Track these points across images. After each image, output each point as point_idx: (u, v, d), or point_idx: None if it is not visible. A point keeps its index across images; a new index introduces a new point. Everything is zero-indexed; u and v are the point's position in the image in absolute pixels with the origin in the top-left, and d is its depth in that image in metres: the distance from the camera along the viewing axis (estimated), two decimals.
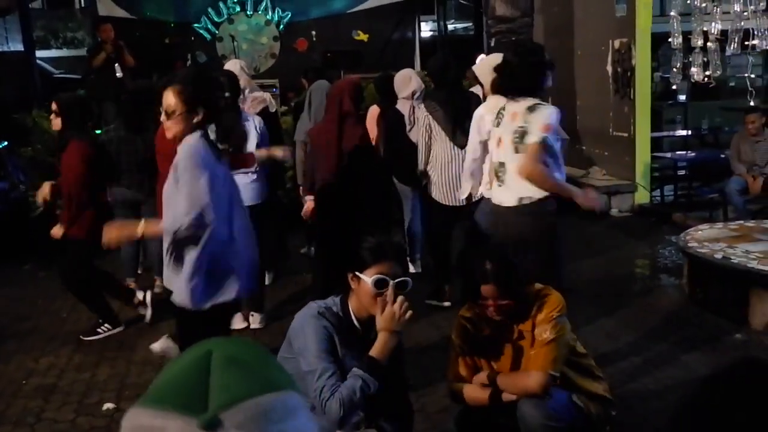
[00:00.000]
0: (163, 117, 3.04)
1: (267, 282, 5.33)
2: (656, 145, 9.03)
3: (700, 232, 5.38)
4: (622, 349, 4.34)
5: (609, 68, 8.25)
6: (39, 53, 16.53)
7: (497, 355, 2.91)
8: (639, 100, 7.89)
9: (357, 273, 2.53)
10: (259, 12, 11.96)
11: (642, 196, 8.05)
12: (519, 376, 2.80)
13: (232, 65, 5.54)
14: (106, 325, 4.88)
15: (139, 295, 5.04)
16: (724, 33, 4.99)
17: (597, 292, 5.35)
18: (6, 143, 7.45)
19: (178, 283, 3.08)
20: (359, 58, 10.01)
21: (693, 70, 4.64)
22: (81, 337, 4.84)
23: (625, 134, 8.15)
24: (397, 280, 2.50)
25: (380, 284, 2.48)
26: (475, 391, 2.86)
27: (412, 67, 12.23)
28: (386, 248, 2.55)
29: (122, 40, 9.07)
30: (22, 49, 9.68)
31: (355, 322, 2.60)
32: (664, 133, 10.18)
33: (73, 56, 18.15)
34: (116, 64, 8.71)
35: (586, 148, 8.94)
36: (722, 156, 7.62)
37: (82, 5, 15.10)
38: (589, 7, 8.55)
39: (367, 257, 2.52)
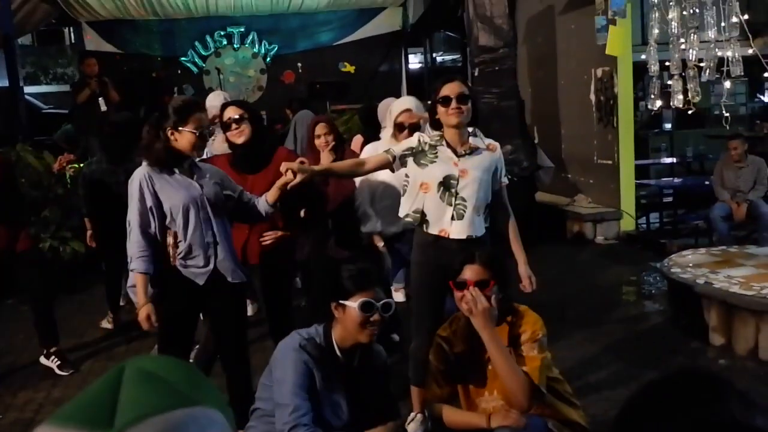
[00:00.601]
0: None
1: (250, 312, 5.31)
2: (642, 172, 9.11)
3: (682, 257, 5.39)
4: (605, 375, 4.32)
5: (592, 97, 8.33)
6: (28, 89, 16.61)
7: (473, 374, 2.88)
8: (622, 128, 7.95)
9: (341, 301, 2.54)
10: (246, 45, 12.08)
11: (627, 224, 8.07)
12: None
13: (215, 98, 5.56)
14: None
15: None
16: (700, 60, 5.05)
17: (580, 318, 5.34)
18: None
19: None
20: (346, 89, 10.08)
21: (673, 96, 4.68)
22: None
23: (610, 162, 8.19)
24: (382, 303, 2.52)
25: (367, 308, 2.50)
26: (454, 414, 2.83)
27: (399, 98, 12.36)
28: (368, 274, 2.57)
29: (109, 74, 9.13)
30: (8, 85, 9.67)
31: (338, 352, 2.61)
32: (650, 161, 10.27)
33: (62, 91, 18.23)
34: (100, 99, 8.74)
35: (571, 176, 8.98)
36: (707, 183, 7.66)
37: (72, 41, 15.21)
38: (571, 37, 8.65)
39: (350, 285, 2.54)
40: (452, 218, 3.32)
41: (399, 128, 4.10)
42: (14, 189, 4.78)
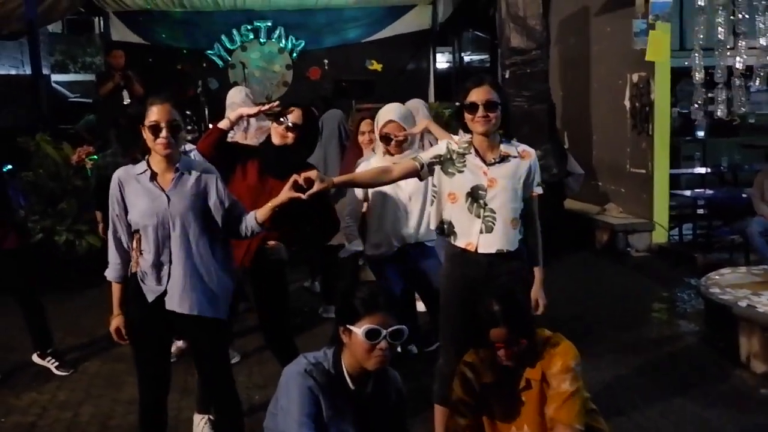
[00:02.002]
0: None
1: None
2: (673, 182, 8.79)
3: (721, 276, 5.11)
4: (637, 400, 4.06)
5: (627, 103, 8.04)
6: (57, 77, 16.65)
7: (500, 406, 2.67)
8: (657, 136, 7.67)
9: (348, 326, 2.33)
10: (273, 40, 11.92)
11: (659, 236, 7.78)
12: None
13: (236, 93, 5.39)
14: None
15: None
16: (749, 68, 4.79)
17: (609, 336, 5.09)
18: (10, 167, 7.33)
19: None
20: (372, 87, 9.86)
21: (716, 106, 4.41)
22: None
23: (643, 171, 7.91)
24: (390, 330, 2.30)
25: (373, 335, 2.28)
26: None
27: (426, 98, 12.13)
28: (377, 298, 2.34)
29: (134, 66, 9.00)
30: (31, 73, 9.59)
31: (348, 378, 2.39)
32: (682, 170, 9.93)
33: (89, 81, 18.22)
34: (124, 91, 8.63)
35: (601, 184, 8.70)
36: (743, 195, 7.34)
37: (101, 30, 15.20)
38: (606, 40, 8.37)
39: (359, 308, 2.32)
40: (480, 231, 3.10)
41: (384, 140, 3.84)
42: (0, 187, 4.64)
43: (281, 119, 3.54)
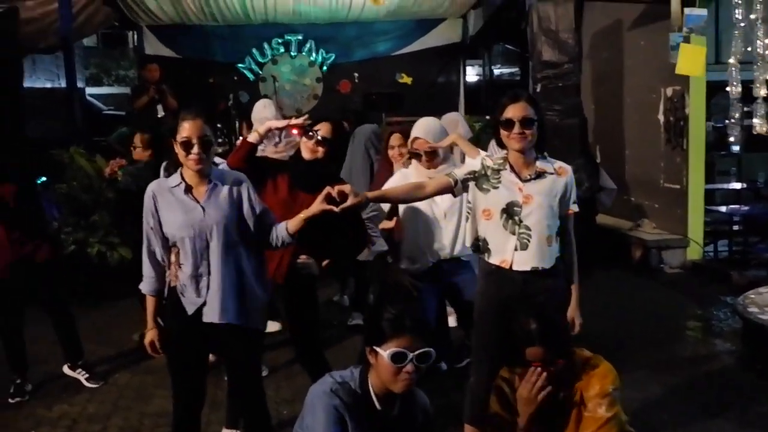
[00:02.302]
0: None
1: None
2: (708, 197, 8.62)
3: (759, 295, 4.99)
4: (671, 421, 3.97)
5: (660, 117, 7.92)
6: (91, 90, 16.97)
7: (536, 425, 2.61)
8: (692, 151, 7.54)
9: (374, 347, 2.29)
10: (303, 53, 11.98)
11: (694, 252, 7.63)
12: None
13: (263, 108, 5.40)
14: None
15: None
16: None
17: (642, 354, 4.98)
18: (45, 179, 7.43)
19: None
20: (401, 100, 9.86)
21: (755, 121, 4.32)
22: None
23: (677, 186, 7.78)
24: (417, 353, 2.25)
25: (398, 358, 2.24)
26: None
27: (456, 111, 12.08)
28: (405, 319, 2.30)
29: (166, 79, 9.09)
30: (65, 86, 9.74)
31: (375, 399, 2.34)
32: (717, 186, 9.75)
33: (123, 93, 18.50)
34: (158, 105, 8.74)
35: (634, 199, 8.58)
36: None
37: (135, 44, 15.43)
38: (639, 54, 8.27)
39: (386, 330, 2.28)
40: (515, 248, 3.05)
41: (414, 155, 3.84)
42: (33, 199, 4.65)
43: (311, 133, 3.53)
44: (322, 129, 3.54)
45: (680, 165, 7.70)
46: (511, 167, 3.08)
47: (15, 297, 4.51)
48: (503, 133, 3.03)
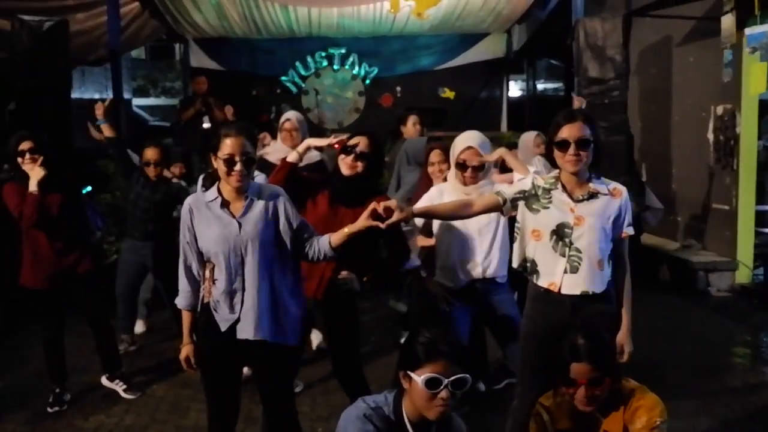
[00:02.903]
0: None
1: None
2: (758, 218, 8.37)
3: None
4: None
5: (710, 136, 7.72)
6: (138, 101, 17.30)
7: None
8: (743, 171, 7.32)
9: (408, 372, 2.22)
10: (346, 67, 12.02)
11: (743, 275, 7.39)
12: None
13: (287, 120, 5.35)
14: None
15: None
16: None
17: (688, 383, 4.81)
18: (89, 188, 7.54)
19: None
20: (443, 115, 9.80)
21: None
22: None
23: (726, 207, 7.56)
24: (452, 379, 2.18)
25: (433, 384, 2.17)
26: None
27: (499, 127, 12.00)
28: (440, 344, 2.23)
29: (213, 94, 9.17)
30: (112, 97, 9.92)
31: (409, 426, 2.27)
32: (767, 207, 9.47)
33: (169, 105, 18.84)
34: (205, 117, 8.84)
35: (681, 219, 8.36)
36: None
37: (181, 56, 15.72)
38: (689, 71, 8.08)
39: (420, 354, 2.22)
40: (565, 271, 2.95)
41: (461, 167, 3.69)
42: (78, 209, 4.68)
43: (349, 149, 3.50)
44: (360, 144, 3.50)
45: (729, 185, 7.48)
46: (563, 187, 2.98)
47: (56, 307, 4.55)
48: (557, 154, 2.93)
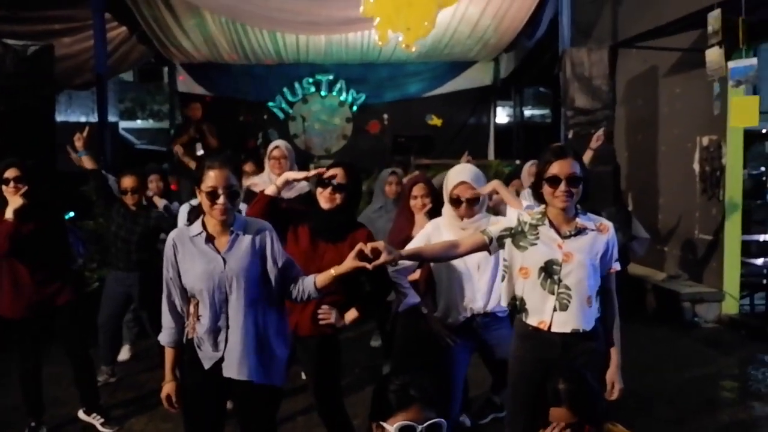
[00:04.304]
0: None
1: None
2: (743, 248, 8.38)
3: None
4: None
5: (696, 166, 7.75)
6: (125, 124, 17.22)
7: None
8: (729, 202, 7.33)
9: (381, 422, 2.15)
10: (334, 93, 12.03)
11: (730, 306, 7.38)
12: None
13: (276, 147, 5.29)
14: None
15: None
16: None
17: (678, 418, 4.75)
18: (72, 214, 7.44)
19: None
20: (430, 143, 9.79)
21: None
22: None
23: (712, 237, 7.56)
24: (426, 424, 2.10)
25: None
26: None
27: (486, 154, 12.02)
28: (411, 389, 2.15)
29: (206, 120, 9.13)
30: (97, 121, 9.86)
31: None
32: (753, 237, 9.49)
33: (156, 128, 18.77)
34: (198, 143, 8.79)
35: (668, 249, 8.36)
36: None
37: (169, 79, 15.73)
38: (675, 102, 8.13)
39: (392, 402, 2.13)
40: (554, 309, 2.90)
41: (455, 202, 3.61)
42: (60, 238, 4.53)
43: (326, 182, 3.45)
44: (337, 176, 3.44)
45: (716, 216, 7.49)
46: (551, 223, 2.94)
47: (33, 338, 4.44)
48: (547, 190, 2.89)
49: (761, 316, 7.54)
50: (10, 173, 4.15)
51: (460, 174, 3.66)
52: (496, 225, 3.08)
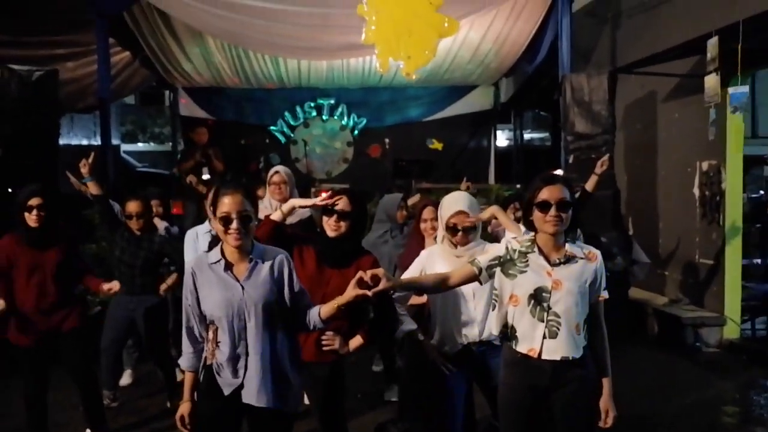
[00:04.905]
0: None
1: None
2: (744, 272, 8.41)
3: None
4: None
5: (696, 191, 7.79)
6: (126, 146, 17.30)
7: None
8: (729, 227, 7.36)
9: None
10: (335, 117, 12.10)
11: (731, 330, 7.38)
12: None
13: (276, 173, 5.33)
14: None
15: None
16: None
17: None
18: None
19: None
20: (431, 167, 9.84)
21: None
22: None
23: (713, 262, 7.58)
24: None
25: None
26: None
27: (486, 178, 12.07)
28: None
29: (214, 146, 9.15)
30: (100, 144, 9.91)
31: None
32: (753, 260, 9.51)
33: (157, 151, 18.83)
34: (204, 168, 8.83)
35: (669, 273, 8.37)
36: None
37: (170, 103, 15.81)
38: (674, 127, 8.19)
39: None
40: (544, 336, 2.92)
41: (451, 231, 3.60)
42: (71, 265, 4.51)
43: (330, 210, 3.48)
44: (341, 203, 3.48)
45: (716, 240, 7.52)
46: (540, 250, 2.97)
47: (40, 365, 4.44)
48: (538, 215, 2.94)
49: (762, 340, 7.54)
50: (34, 201, 4.19)
51: (457, 203, 3.66)
52: (485, 255, 3.10)
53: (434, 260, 3.66)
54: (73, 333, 4.44)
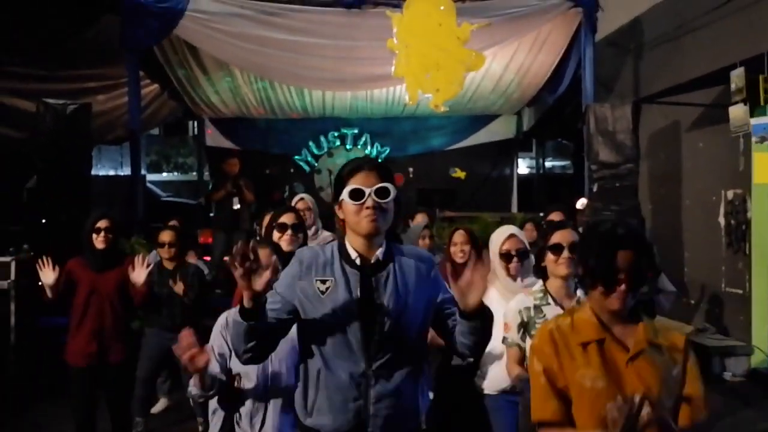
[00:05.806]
0: None
1: None
2: None
3: None
4: None
5: (721, 220, 7.77)
6: (150, 176, 17.53)
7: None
8: (756, 256, 7.32)
9: (340, 199, 2.27)
10: (359, 146, 12.22)
11: (759, 360, 7.31)
12: None
13: (300, 200, 5.39)
14: None
15: None
16: None
17: None
18: None
19: None
20: (453, 196, 9.91)
21: None
22: None
23: (740, 291, 7.54)
24: (375, 188, 2.21)
25: (356, 195, 2.21)
26: None
27: (509, 207, 12.10)
28: (361, 161, 2.31)
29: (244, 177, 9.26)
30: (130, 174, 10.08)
31: (350, 250, 2.31)
32: None
33: (181, 180, 19.08)
34: (235, 198, 8.96)
35: (695, 303, 8.33)
36: None
37: (195, 133, 16.05)
38: (698, 156, 8.20)
39: (344, 174, 2.28)
40: None
41: (506, 258, 3.54)
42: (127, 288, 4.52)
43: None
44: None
45: (743, 270, 7.48)
46: (554, 300, 3.07)
47: (90, 387, 4.42)
48: (550, 257, 3.05)
49: None
50: (102, 223, 4.36)
51: (507, 228, 3.66)
52: (509, 332, 3.15)
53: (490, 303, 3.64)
54: (119, 367, 4.47)
